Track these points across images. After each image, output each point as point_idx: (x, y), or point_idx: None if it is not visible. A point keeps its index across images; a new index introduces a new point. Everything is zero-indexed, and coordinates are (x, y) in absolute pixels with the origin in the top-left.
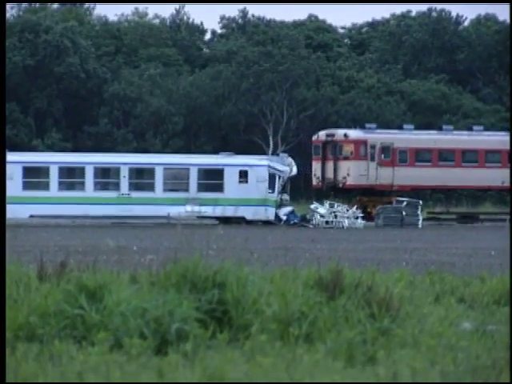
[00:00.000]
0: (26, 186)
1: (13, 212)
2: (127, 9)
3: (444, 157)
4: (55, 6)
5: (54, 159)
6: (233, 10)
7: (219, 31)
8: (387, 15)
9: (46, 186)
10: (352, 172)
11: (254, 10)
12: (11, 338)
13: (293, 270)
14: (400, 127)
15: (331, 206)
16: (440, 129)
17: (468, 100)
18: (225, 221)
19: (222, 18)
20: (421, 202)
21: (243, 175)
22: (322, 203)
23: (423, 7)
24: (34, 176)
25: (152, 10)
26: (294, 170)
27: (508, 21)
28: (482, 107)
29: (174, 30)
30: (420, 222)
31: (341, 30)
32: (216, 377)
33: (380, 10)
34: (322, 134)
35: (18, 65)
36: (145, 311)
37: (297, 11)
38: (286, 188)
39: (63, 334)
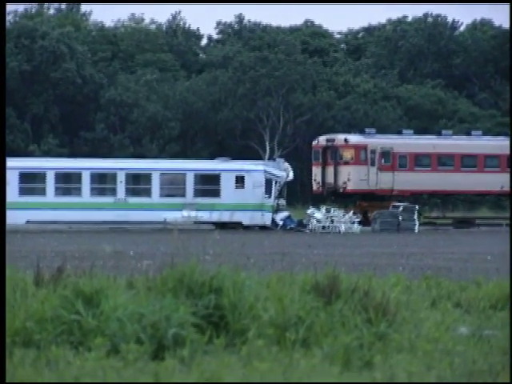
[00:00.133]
0: (23, 191)
1: (9, 218)
2: (123, 14)
3: (443, 161)
4: (51, 11)
5: (51, 165)
6: (229, 16)
7: (215, 36)
8: (383, 20)
9: (42, 192)
10: (352, 177)
11: (250, 15)
12: (8, 344)
13: (289, 275)
14: (399, 132)
15: (328, 211)
16: (439, 133)
17: (464, 105)
18: (221, 226)
19: (219, 23)
20: (417, 206)
21: (240, 180)
22: (318, 208)
23: (419, 12)
24: (31, 182)
25: (148, 15)
26: (291, 175)
27: (504, 25)
28: (478, 112)
29: (170, 36)
30: (416, 227)
31: (337, 35)
32: (213, 382)
33: (376, 15)
34: (322, 139)
35: (14, 70)
36: (141, 316)
37: (293, 16)
38: (283, 193)
39: (60, 339)
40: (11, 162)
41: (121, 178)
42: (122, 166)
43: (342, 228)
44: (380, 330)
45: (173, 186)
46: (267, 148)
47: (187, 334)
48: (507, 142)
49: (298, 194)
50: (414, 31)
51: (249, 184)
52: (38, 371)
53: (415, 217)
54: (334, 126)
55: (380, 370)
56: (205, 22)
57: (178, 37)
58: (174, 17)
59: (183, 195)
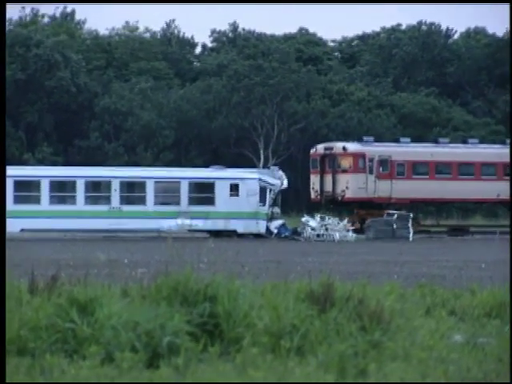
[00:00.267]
0: (17, 199)
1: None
2: (118, 23)
3: (441, 170)
4: (46, 20)
5: (45, 173)
6: (223, 24)
7: (210, 45)
8: (377, 28)
9: (37, 200)
10: (351, 185)
11: (245, 23)
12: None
13: (284, 283)
14: (396, 140)
15: (322, 219)
16: (436, 142)
17: (458, 113)
18: (216, 234)
19: (213, 31)
20: (411, 214)
21: (234, 188)
22: (313, 216)
23: (413, 20)
24: (25, 190)
25: (142, 23)
26: (285, 183)
27: (498, 33)
28: (472, 120)
29: (164, 44)
30: (411, 235)
31: (331, 44)
32: None
33: (370, 23)
34: (320, 148)
35: (8, 79)
36: (136, 325)
37: (287, 24)
38: (277, 201)
39: (54, 347)
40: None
41: (115, 186)
42: (116, 174)
43: (337, 236)
44: (374, 338)
45: (167, 194)
46: (261, 156)
47: (182, 342)
48: (504, 150)
49: (292, 202)
50: (407, 39)
51: (243, 192)
52: (32, 379)
53: (409, 225)
54: (328, 134)
55: (374, 378)
56: (199, 30)
57: (173, 45)
58: (169, 25)
59: (177, 203)
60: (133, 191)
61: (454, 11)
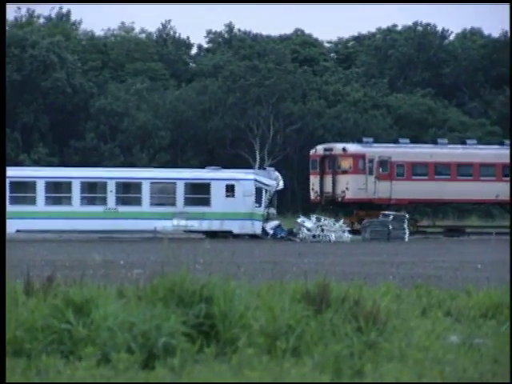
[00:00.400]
0: (13, 200)
1: None
2: (113, 23)
3: (439, 170)
4: (41, 20)
5: (41, 174)
6: (219, 25)
7: (205, 46)
8: (373, 29)
9: (32, 201)
10: (351, 186)
11: (241, 24)
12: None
13: (280, 284)
14: (395, 141)
15: (318, 219)
16: (434, 142)
17: (454, 114)
18: (212, 235)
19: (209, 32)
20: (407, 215)
21: (230, 189)
22: (308, 217)
23: (409, 21)
24: (21, 191)
25: (138, 24)
26: (281, 184)
27: (494, 34)
28: (469, 121)
29: (160, 45)
30: (406, 236)
31: (327, 45)
32: None
33: (366, 24)
34: (319, 149)
35: (6, 80)
36: (132, 326)
37: (283, 25)
38: (273, 202)
39: (50, 348)
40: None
41: (111, 187)
42: (112, 175)
43: (333, 237)
44: (370, 338)
45: (163, 194)
46: (257, 157)
47: (178, 343)
48: (502, 151)
49: (288, 202)
50: (403, 40)
51: (239, 193)
52: (28, 380)
53: (405, 225)
54: (324, 135)
55: (370, 378)
56: (195, 31)
57: (168, 46)
58: (164, 26)
59: (173, 204)
60: (128, 192)
61: (450, 12)
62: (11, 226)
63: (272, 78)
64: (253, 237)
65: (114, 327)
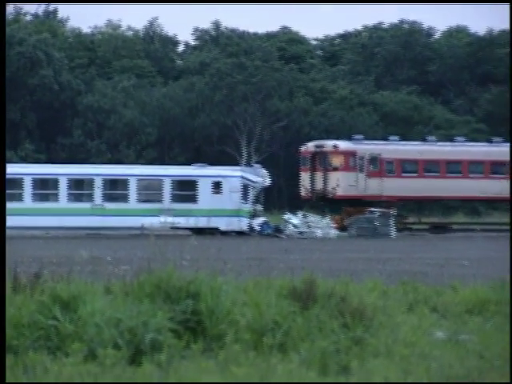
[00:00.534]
0: None
1: None
2: (100, 21)
3: (429, 168)
4: (28, 17)
5: (28, 171)
6: (206, 22)
7: (192, 43)
8: (359, 27)
9: (19, 198)
10: (342, 183)
11: (227, 22)
12: None
13: (266, 280)
14: (385, 138)
15: (304, 216)
16: (423, 140)
17: (439, 111)
18: (198, 232)
19: (196, 29)
20: (393, 212)
21: (217, 186)
22: (295, 214)
23: (395, 19)
24: (8, 187)
25: (125, 22)
26: (267, 180)
27: (479, 33)
28: (454, 118)
29: (147, 42)
30: (393, 232)
31: (313, 42)
32: None
33: (352, 21)
34: (310, 145)
35: None
36: (119, 322)
37: (270, 23)
38: (260, 199)
39: (37, 344)
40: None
41: (98, 183)
42: (99, 171)
43: (319, 233)
44: (357, 334)
45: (150, 191)
46: (244, 154)
47: (164, 339)
48: (491, 148)
49: (274, 199)
50: (389, 38)
51: (226, 190)
52: (15, 377)
53: (392, 222)
54: (310, 132)
55: (357, 374)
56: (182, 28)
57: (155, 43)
58: (151, 23)
59: (160, 201)
60: (115, 189)
61: (436, 10)
62: None
63: (259, 76)
64: (240, 233)
65: (100, 323)
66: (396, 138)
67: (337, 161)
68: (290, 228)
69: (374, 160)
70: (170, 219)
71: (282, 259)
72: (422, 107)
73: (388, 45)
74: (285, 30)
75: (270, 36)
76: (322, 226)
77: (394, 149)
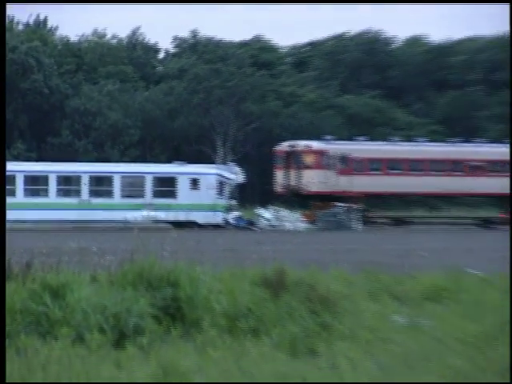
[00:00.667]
0: None
1: None
2: (87, 29)
3: (392, 166)
4: (20, 27)
5: (20, 168)
6: (185, 31)
7: (172, 50)
8: (326, 35)
9: (12, 193)
10: (314, 180)
11: (205, 30)
12: None
13: (240, 270)
14: (352, 139)
15: (276, 211)
16: (388, 140)
17: (400, 114)
18: (178, 225)
19: (175, 38)
20: (358, 207)
21: (194, 183)
22: (267, 208)
23: (359, 28)
24: None
25: (110, 30)
26: (241, 178)
27: (437, 41)
28: (414, 120)
29: (130, 50)
30: (358, 226)
31: (283, 50)
32: (170, 368)
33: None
34: (284, 145)
35: None
36: (104, 308)
37: (243, 32)
38: (234, 194)
39: (28, 329)
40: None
41: (85, 180)
42: (85, 169)
43: (289, 226)
44: (324, 320)
45: (133, 187)
46: (220, 153)
47: (146, 324)
48: (448, 148)
49: (247, 195)
50: (354, 46)
51: (203, 186)
52: (8, 359)
53: (357, 216)
54: (281, 133)
55: (324, 356)
56: (162, 36)
57: (138, 50)
58: (134, 32)
59: (142, 196)
60: (101, 185)
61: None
62: None
63: (233, 81)
64: (216, 226)
65: (87, 309)
66: (363, 138)
67: (309, 159)
68: (262, 221)
69: (344, 159)
70: (151, 213)
71: (254, 250)
72: (383, 110)
73: (352, 52)
74: (257, 39)
75: (243, 44)
76: (292, 219)
77: (362, 148)
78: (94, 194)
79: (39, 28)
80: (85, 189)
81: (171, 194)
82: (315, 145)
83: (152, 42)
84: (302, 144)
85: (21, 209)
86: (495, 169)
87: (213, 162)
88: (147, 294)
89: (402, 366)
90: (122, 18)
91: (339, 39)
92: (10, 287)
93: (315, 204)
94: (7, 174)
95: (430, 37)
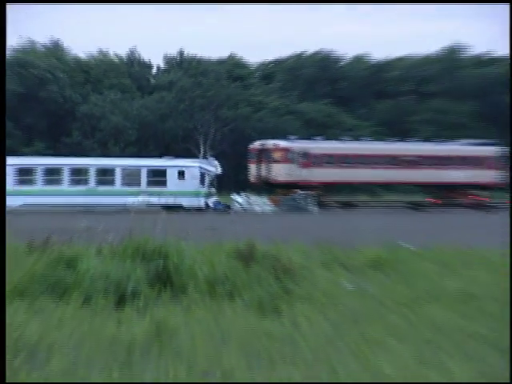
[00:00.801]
0: (20, 182)
1: (8, 201)
2: (93, 49)
3: (343, 160)
4: (39, 46)
5: (40, 162)
6: (173, 50)
7: (163, 66)
8: (288, 54)
9: (34, 183)
10: (281, 171)
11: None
12: (8, 293)
13: (218, 245)
14: (311, 138)
15: (247, 196)
16: (339, 140)
17: (348, 118)
18: (167, 208)
19: (165, 56)
20: (313, 193)
21: (181, 174)
22: (239, 194)
23: (314, 49)
24: (26, 175)
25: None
26: (219, 169)
27: (378, 59)
28: (359, 123)
29: (128, 66)
30: (313, 209)
31: (253, 66)
32: (161, 324)
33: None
34: (257, 144)
35: (12, 92)
36: (108, 275)
37: (221, 51)
38: (213, 183)
39: (46, 292)
40: (9, 161)
41: (92, 171)
42: (92, 163)
43: (258, 209)
44: (286, 285)
45: (131, 177)
46: (201, 150)
47: (142, 289)
48: (386, 146)
49: (224, 184)
50: (310, 63)
51: (188, 176)
52: (29, 318)
53: (312, 201)
54: (251, 133)
55: (286, 316)
56: (155, 55)
57: (135, 66)
58: (132, 51)
59: (139, 185)
60: (105, 175)
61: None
62: (17, 201)
63: (212, 91)
64: (198, 210)
65: (94, 276)
66: (320, 138)
67: (277, 155)
68: (236, 205)
69: (305, 154)
70: (146, 199)
71: (230, 229)
72: (334, 115)
73: (309, 68)
74: (232, 57)
75: (220, 61)
76: (261, 203)
77: (319, 146)
78: (99, 182)
79: (55, 48)
80: (92, 179)
81: (162, 183)
82: (282, 143)
83: (146, 59)
84: (271, 142)
85: (40, 195)
86: (424, 162)
87: (196, 157)
88: (143, 265)
89: (350, 323)
90: (122, 40)
91: (298, 57)
92: (31, 258)
93: (280, 191)
94: (30, 166)
95: (371, 55)
